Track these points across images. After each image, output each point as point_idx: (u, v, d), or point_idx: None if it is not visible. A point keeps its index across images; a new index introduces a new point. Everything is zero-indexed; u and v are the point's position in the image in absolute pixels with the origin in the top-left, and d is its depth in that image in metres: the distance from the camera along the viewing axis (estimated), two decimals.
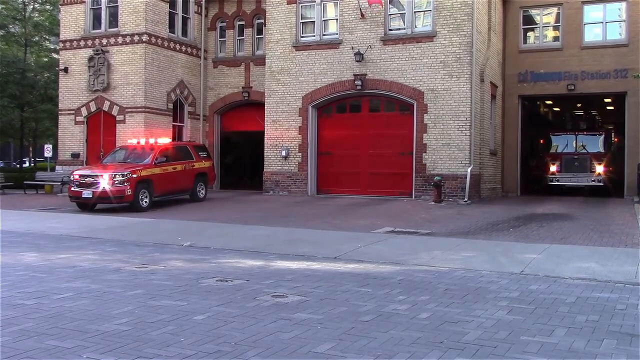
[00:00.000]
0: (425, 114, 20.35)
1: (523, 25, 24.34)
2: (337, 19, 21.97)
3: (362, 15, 20.96)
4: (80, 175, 17.73)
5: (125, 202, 17.52)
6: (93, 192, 17.26)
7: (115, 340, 5.37)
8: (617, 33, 23.25)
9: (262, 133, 22.95)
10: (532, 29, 24.71)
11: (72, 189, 17.80)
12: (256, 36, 25.67)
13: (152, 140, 19.69)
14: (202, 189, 20.95)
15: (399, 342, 5.36)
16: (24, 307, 6.58)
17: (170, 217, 16.53)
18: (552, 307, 6.66)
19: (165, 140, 20.65)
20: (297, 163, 22.29)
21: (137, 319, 6.10)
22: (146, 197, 18.15)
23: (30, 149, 46.98)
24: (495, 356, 5.02)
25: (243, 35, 25.92)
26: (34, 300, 6.91)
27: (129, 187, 17.36)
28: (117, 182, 17.29)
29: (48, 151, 26.81)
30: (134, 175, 17.63)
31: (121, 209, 17.82)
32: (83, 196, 17.41)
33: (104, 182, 17.27)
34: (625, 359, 4.96)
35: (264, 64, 23.37)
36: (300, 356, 5.01)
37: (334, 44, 21.81)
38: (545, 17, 24.47)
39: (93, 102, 24.13)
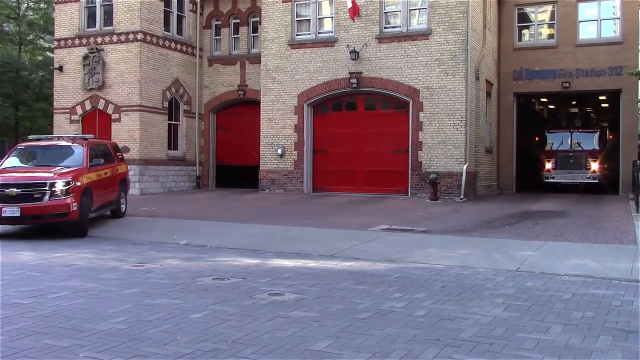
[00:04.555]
0: (420, 112, 20.36)
1: (518, 23, 24.37)
2: (332, 17, 21.95)
3: (354, 18, 20.86)
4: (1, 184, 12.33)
5: (67, 221, 12.60)
6: (22, 208, 12.04)
7: (112, 339, 5.37)
8: (611, 30, 23.31)
9: (258, 132, 22.93)
10: (527, 27, 24.74)
11: None
12: (251, 34, 25.62)
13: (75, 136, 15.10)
14: (124, 201, 15.94)
15: (396, 340, 5.38)
16: (20, 306, 6.57)
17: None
18: (548, 304, 6.69)
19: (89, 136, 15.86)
20: (293, 161, 22.28)
21: (133, 317, 6.09)
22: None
23: None
24: (492, 353, 5.04)
25: (238, 34, 25.86)
26: (30, 299, 6.90)
27: (74, 200, 12.40)
28: (58, 192, 12.31)
29: None
30: (78, 183, 12.69)
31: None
32: (4, 215, 12.03)
33: (46, 193, 12.27)
34: (621, 356, 4.98)
35: (260, 62, 23.33)
36: (297, 354, 5.01)
37: (329, 42, 21.80)
38: (540, 14, 24.50)
39: (88, 100, 24.06)
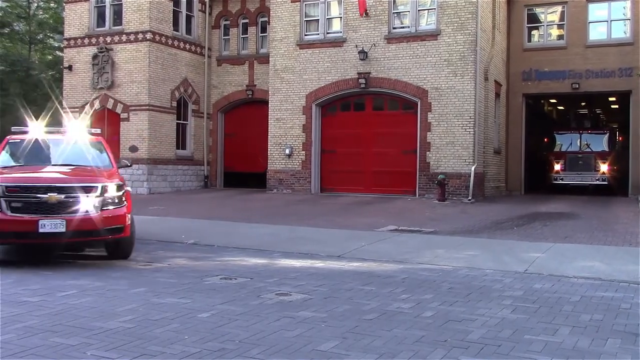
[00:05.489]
0: (429, 113, 20.32)
1: (527, 24, 24.27)
2: (341, 17, 21.94)
3: (365, 13, 20.92)
4: (28, 188, 9.00)
5: (120, 238, 9.56)
6: (67, 220, 8.83)
7: (119, 337, 5.38)
8: (621, 31, 23.17)
9: (266, 134, 22.94)
10: (537, 28, 24.64)
11: (1, 214, 8.78)
12: (260, 34, 25.65)
13: (84, 129, 11.57)
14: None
15: (403, 341, 5.36)
16: (28, 304, 6.60)
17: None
18: (556, 306, 6.66)
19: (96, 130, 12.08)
20: (300, 161, 22.29)
21: (141, 316, 6.11)
22: None
23: None
24: (499, 355, 5.02)
25: (247, 34, 25.90)
26: (39, 297, 6.93)
27: (128, 210, 9.61)
28: (110, 199, 9.31)
29: None
30: (129, 188, 10.32)
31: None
32: (43, 230, 8.73)
33: (96, 200, 9.13)
34: (630, 358, 4.95)
35: (268, 62, 23.35)
36: (304, 354, 5.01)
37: (338, 42, 21.79)
38: (550, 15, 24.40)
39: (97, 100, 24.15)
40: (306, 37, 22.45)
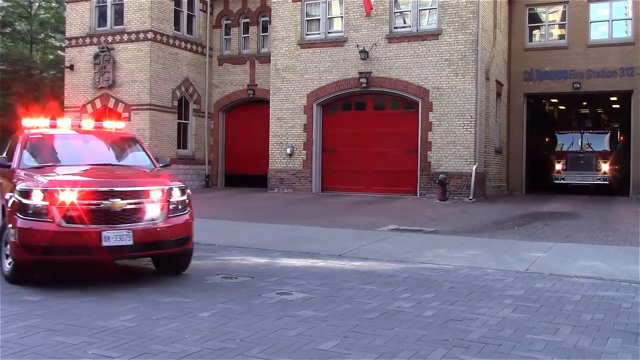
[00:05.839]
0: (430, 112, 20.32)
1: (529, 24, 24.26)
2: (342, 17, 21.94)
3: (366, 11, 20.92)
4: (85, 193, 7.37)
5: (183, 250, 8.11)
6: (133, 231, 7.44)
7: (121, 336, 5.39)
8: (623, 31, 23.16)
9: (267, 134, 22.94)
10: (538, 27, 24.63)
11: (53, 224, 7.20)
12: (261, 34, 25.66)
13: (110, 123, 10.16)
14: None
15: (404, 340, 5.37)
16: (30, 303, 6.61)
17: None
18: (557, 306, 6.65)
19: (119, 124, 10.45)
20: (301, 160, 22.29)
21: (142, 315, 6.11)
22: None
23: None
24: (500, 354, 5.02)
25: (248, 33, 25.91)
26: (40, 296, 6.93)
27: (192, 218, 8.24)
28: (173, 205, 7.90)
29: None
30: (190, 192, 8.46)
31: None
32: (107, 244, 7.28)
33: (161, 207, 7.75)
34: (631, 358, 4.95)
35: (269, 62, 23.35)
36: (305, 354, 5.01)
37: (339, 42, 21.79)
38: (551, 15, 24.38)
39: (98, 99, 24.16)
40: (307, 36, 22.45)
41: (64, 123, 9.79)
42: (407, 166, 20.82)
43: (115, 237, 7.30)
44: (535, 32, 24.71)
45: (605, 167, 24.42)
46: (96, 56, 24.03)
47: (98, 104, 24.14)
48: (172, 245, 7.85)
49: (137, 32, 23.43)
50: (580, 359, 4.89)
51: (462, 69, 19.95)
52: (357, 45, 21.17)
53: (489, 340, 5.35)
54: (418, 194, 20.38)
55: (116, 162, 9.10)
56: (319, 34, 22.30)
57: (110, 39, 23.92)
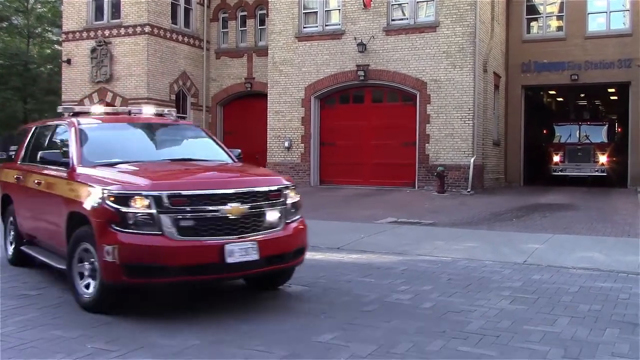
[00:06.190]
0: (428, 105, 20.30)
1: (526, 15, 24.21)
2: (339, 9, 21.88)
3: (365, 5, 20.89)
4: (200, 196, 5.86)
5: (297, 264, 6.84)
6: (259, 242, 5.99)
7: (120, 330, 5.40)
8: (620, 22, 23.11)
9: (265, 128, 22.91)
10: (536, 19, 24.59)
11: (164, 238, 5.66)
12: (259, 27, 25.60)
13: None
14: None
15: (402, 332, 5.38)
16: (29, 297, 6.61)
17: None
18: (555, 297, 6.67)
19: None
20: (299, 154, 22.28)
21: (142, 308, 6.12)
22: None
23: None
24: (498, 345, 5.04)
25: (245, 26, 25.85)
26: (38, 290, 6.94)
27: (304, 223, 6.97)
28: (288, 208, 6.56)
29: None
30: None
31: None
32: (232, 260, 5.78)
33: (275, 211, 6.33)
34: (628, 348, 4.97)
35: (267, 55, 23.30)
36: (304, 345, 5.02)
37: (336, 35, 21.75)
38: (549, 6, 24.34)
39: (96, 93, 24.12)
40: (305, 29, 22.41)
41: (98, 109, 8.45)
42: (405, 159, 20.81)
43: (240, 251, 5.81)
44: (533, 23, 24.68)
45: (603, 158, 24.42)
46: (93, 50, 23.98)
47: (96, 98, 24.09)
48: (291, 257, 6.46)
49: (134, 26, 23.37)
50: (577, 350, 4.91)
51: (459, 61, 19.92)
52: (355, 38, 21.13)
53: (487, 332, 5.37)
54: (416, 187, 20.38)
55: (196, 157, 7.47)
56: (317, 26, 22.25)
57: (107, 32, 23.86)
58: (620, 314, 5.99)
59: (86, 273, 6.08)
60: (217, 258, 5.71)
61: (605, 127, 25.89)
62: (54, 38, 35.38)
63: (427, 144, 20.29)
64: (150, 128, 8.06)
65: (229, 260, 5.74)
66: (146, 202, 5.64)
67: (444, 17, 20.11)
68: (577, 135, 25.54)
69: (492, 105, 22.12)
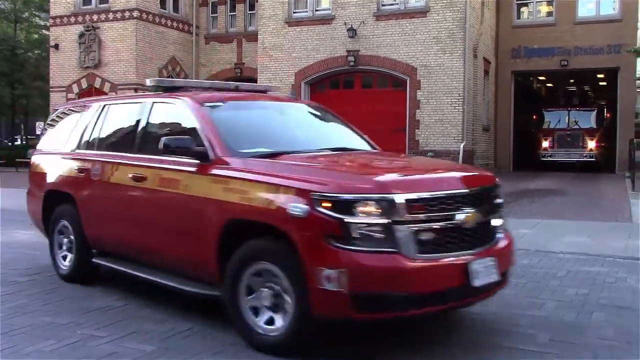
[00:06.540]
0: (418, 90, 20.30)
1: (517, 0, 24.22)
2: None
3: None
4: (438, 200, 4.39)
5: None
6: (497, 257, 4.67)
7: (110, 317, 5.40)
8: (610, 8, 23.17)
9: None
10: (526, 4, 24.59)
11: (401, 258, 4.14)
12: (248, 12, 25.47)
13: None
14: None
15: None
16: (18, 283, 6.60)
17: None
18: (542, 281, 6.73)
19: None
20: None
21: (132, 294, 6.12)
22: None
23: (22, 126, 46.72)
24: (485, 330, 5.08)
25: (235, 11, 25.71)
26: (28, 277, 6.93)
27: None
28: (502, 210, 5.20)
29: (40, 129, 26.69)
30: None
31: None
32: (479, 283, 4.41)
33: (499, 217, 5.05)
34: (614, 332, 5.03)
35: (257, 40, 23.19)
36: None
37: (326, 20, 21.66)
38: None
39: (84, 79, 23.96)
40: (295, 14, 22.30)
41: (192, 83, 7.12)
42: (396, 145, 20.73)
43: (484, 270, 4.50)
44: (524, 9, 24.68)
45: (592, 144, 24.58)
46: (81, 35, 23.79)
47: (84, 84, 23.94)
48: (508, 272, 5.13)
49: (123, 11, 23.18)
50: (564, 334, 4.96)
51: (449, 46, 19.90)
52: (345, 23, 21.06)
53: (475, 317, 5.42)
54: None
55: (351, 146, 6.03)
56: (307, 11, 22.14)
57: (95, 17, 23.66)
58: (607, 297, 6.06)
59: (265, 305, 4.53)
60: (462, 280, 4.35)
61: (594, 113, 26.03)
62: (42, 23, 35.01)
63: (417, 130, 20.32)
64: (282, 109, 6.45)
65: (476, 282, 4.40)
66: (378, 208, 4.18)
67: (434, 2, 20.06)
68: (567, 121, 25.66)
69: (482, 90, 22.16)
